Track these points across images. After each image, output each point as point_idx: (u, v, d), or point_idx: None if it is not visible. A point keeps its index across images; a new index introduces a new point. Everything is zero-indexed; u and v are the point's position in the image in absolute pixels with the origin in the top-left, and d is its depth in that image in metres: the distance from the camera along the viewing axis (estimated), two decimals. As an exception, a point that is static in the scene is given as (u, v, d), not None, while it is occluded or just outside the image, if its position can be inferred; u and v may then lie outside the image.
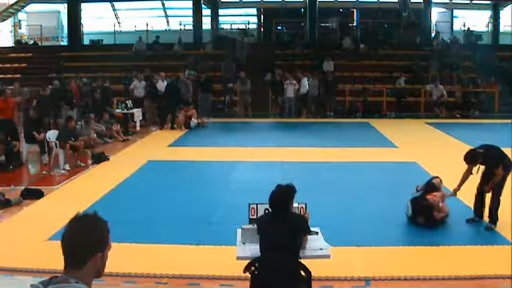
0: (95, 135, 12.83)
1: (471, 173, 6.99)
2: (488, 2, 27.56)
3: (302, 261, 4.20)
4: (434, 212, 6.93)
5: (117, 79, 18.97)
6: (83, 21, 26.01)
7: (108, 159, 11.57)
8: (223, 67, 21.37)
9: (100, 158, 11.38)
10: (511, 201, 7.06)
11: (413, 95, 20.03)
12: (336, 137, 14.72)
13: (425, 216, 6.90)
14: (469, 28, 24.67)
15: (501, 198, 6.82)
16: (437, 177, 7.56)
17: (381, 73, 21.15)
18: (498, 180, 6.77)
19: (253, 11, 30.85)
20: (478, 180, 7.04)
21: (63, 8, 27.32)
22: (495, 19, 27.01)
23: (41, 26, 26.44)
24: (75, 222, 2.05)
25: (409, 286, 5.26)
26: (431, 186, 7.36)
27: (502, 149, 7.15)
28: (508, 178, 6.92)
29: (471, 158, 6.89)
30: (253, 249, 4.36)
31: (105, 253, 2.06)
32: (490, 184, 6.85)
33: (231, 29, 28.64)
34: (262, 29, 29.93)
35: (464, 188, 7.08)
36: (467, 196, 7.27)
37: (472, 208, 7.16)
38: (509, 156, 6.99)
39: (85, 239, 2.01)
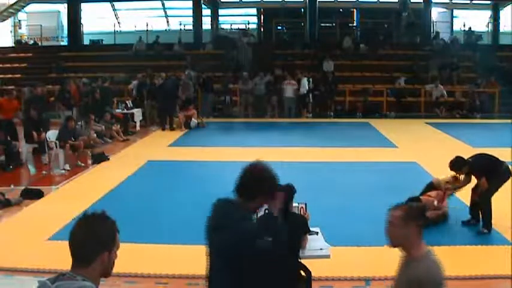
0: (95, 135, 12.83)
1: (468, 182, 6.96)
2: (488, 2, 27.54)
3: (302, 261, 4.20)
4: (427, 212, 6.92)
5: (122, 79, 18.97)
6: (83, 21, 25.99)
7: (108, 159, 11.57)
8: (223, 67, 21.36)
9: (100, 158, 11.39)
10: (511, 201, 7.06)
11: (413, 95, 20.03)
12: (336, 137, 14.70)
13: None
14: (469, 28, 24.66)
15: (492, 202, 6.71)
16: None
17: (381, 73, 21.14)
18: (483, 189, 6.73)
19: (253, 11, 30.85)
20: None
21: (63, 8, 27.33)
22: (495, 19, 27.00)
23: (41, 26, 26.44)
24: (84, 220, 2.06)
25: (409, 286, 5.25)
26: (429, 185, 7.36)
27: (502, 149, 7.13)
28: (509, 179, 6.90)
29: (455, 165, 6.87)
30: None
31: (113, 252, 2.07)
32: (476, 192, 6.84)
33: (231, 29, 28.61)
34: (262, 29, 29.94)
35: (465, 188, 7.07)
36: (468, 196, 7.26)
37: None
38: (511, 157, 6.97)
39: (92, 238, 2.02)
